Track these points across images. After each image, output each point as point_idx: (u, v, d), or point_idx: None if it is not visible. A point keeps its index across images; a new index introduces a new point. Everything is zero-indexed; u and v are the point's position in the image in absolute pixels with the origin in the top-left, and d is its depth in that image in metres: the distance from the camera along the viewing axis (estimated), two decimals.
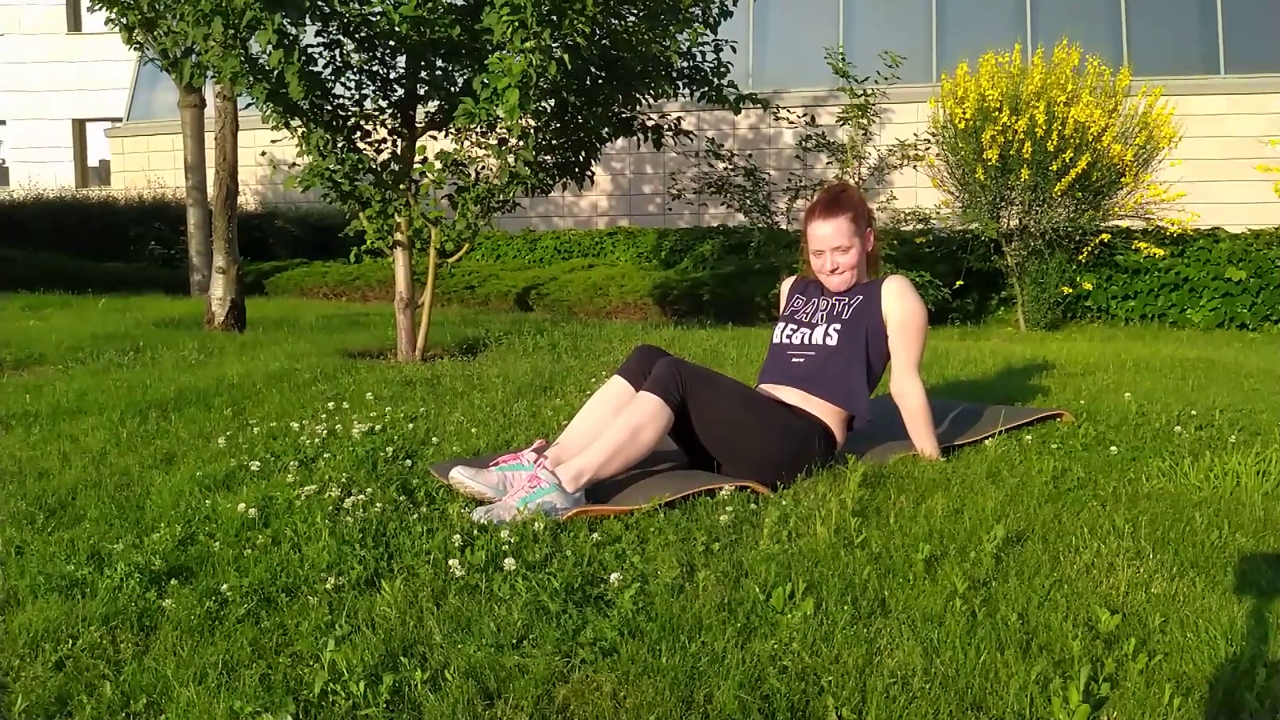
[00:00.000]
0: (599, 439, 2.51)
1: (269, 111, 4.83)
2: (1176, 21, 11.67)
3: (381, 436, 3.14)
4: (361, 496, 2.41)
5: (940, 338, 7.02)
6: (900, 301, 2.82)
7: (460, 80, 5.26)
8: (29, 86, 19.57)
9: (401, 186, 5.24)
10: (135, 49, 7.54)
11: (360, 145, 5.29)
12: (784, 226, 9.23)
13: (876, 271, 3.06)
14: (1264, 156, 9.58)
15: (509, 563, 2.00)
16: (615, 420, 2.53)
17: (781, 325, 2.99)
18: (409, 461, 2.85)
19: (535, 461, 2.47)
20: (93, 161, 20.24)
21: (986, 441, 3.01)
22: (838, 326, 2.85)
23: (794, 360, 2.87)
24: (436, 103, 5.37)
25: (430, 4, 4.75)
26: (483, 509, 2.35)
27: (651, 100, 5.68)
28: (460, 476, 2.44)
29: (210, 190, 8.06)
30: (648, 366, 2.65)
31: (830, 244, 2.87)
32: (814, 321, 2.91)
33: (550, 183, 5.66)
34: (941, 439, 3.07)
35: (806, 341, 2.88)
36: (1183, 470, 2.70)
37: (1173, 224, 8.45)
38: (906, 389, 2.83)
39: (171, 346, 5.59)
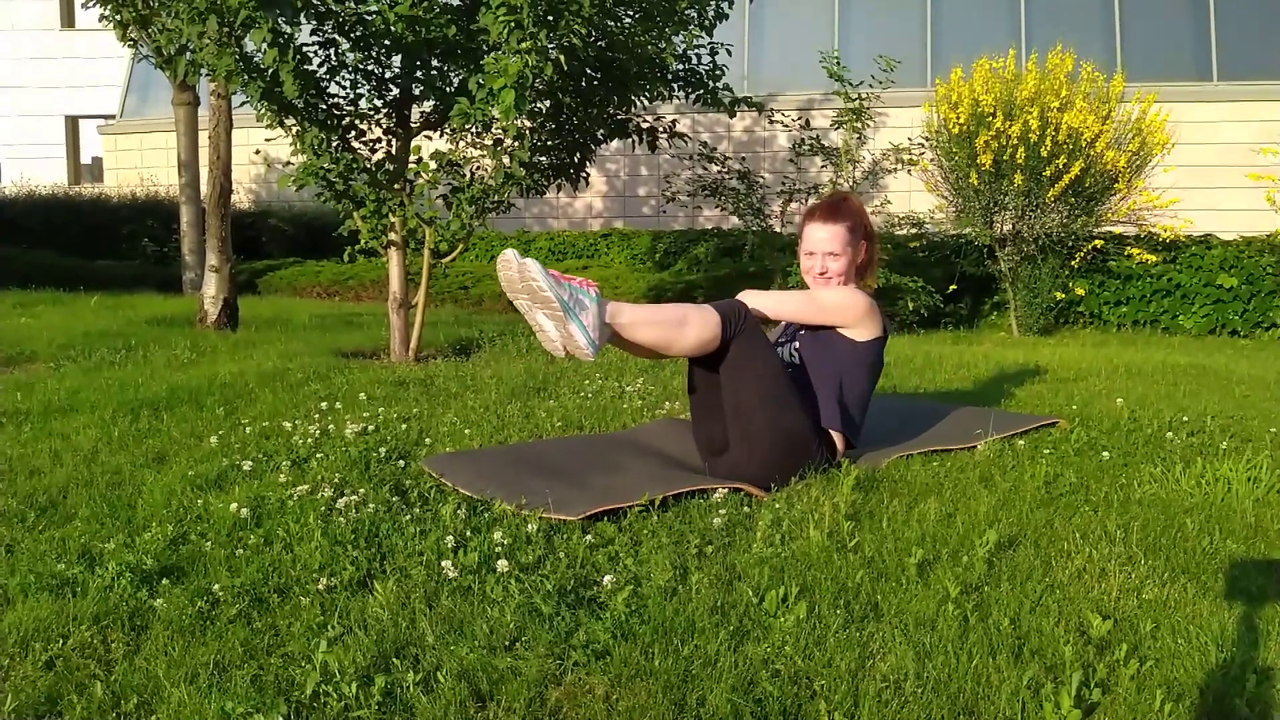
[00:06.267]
0: (647, 306, 2.57)
1: (263, 110, 4.82)
2: (1170, 28, 11.71)
3: (374, 437, 3.13)
4: (354, 497, 2.41)
5: (933, 342, 7.04)
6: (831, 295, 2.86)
7: (456, 80, 5.26)
8: (21, 83, 19.49)
9: (396, 186, 5.23)
10: (129, 46, 7.51)
11: (355, 144, 5.28)
12: (778, 230, 9.24)
13: (869, 283, 3.07)
14: (1256, 164, 9.63)
15: (502, 564, 1.99)
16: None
17: None
18: (402, 462, 2.84)
19: None
20: (85, 159, 20.15)
21: (979, 445, 3.02)
22: (797, 345, 2.88)
23: None
24: (432, 103, 5.37)
25: (426, 3, 4.74)
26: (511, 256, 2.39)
27: (647, 102, 5.68)
28: (510, 254, 2.41)
29: (203, 188, 8.03)
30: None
31: (823, 247, 2.88)
32: (781, 339, 2.95)
33: (545, 184, 5.67)
34: (934, 441, 3.08)
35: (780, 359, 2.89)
36: (1174, 476, 2.71)
37: (1165, 230, 8.48)
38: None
39: (163, 345, 5.57)
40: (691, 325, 2.54)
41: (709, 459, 2.75)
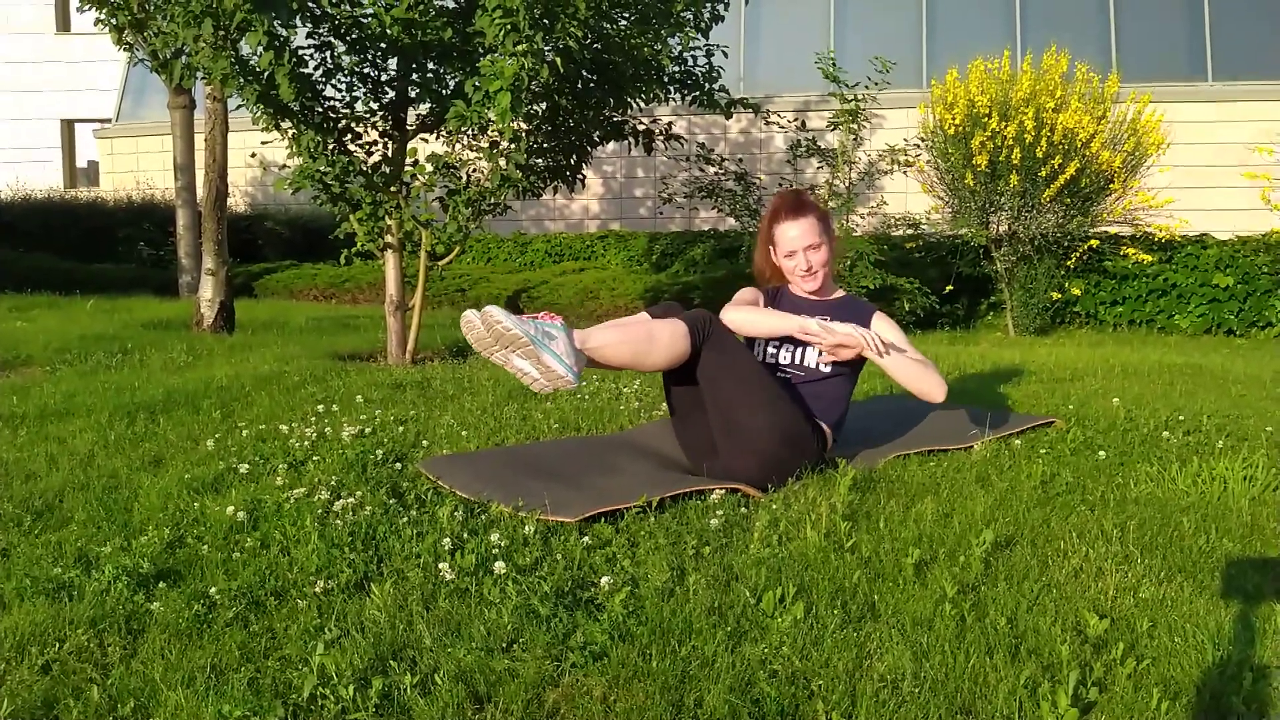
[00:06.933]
0: (614, 326, 2.55)
1: (259, 113, 4.82)
2: (1165, 29, 11.74)
3: (371, 439, 3.13)
4: (351, 499, 2.41)
5: (929, 343, 7.04)
6: (892, 333, 2.89)
7: (452, 83, 5.26)
8: (17, 86, 19.46)
9: (392, 189, 5.23)
10: (125, 50, 7.48)
11: (351, 147, 5.28)
12: None
13: (834, 281, 3.07)
14: (1251, 164, 9.65)
15: (499, 566, 1.99)
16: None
17: (761, 343, 2.93)
18: (399, 464, 2.84)
19: None
20: (81, 162, 20.12)
21: (975, 445, 3.03)
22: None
23: (779, 376, 2.86)
24: (428, 105, 5.36)
25: (422, 6, 4.75)
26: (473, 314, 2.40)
27: (643, 104, 5.69)
28: (469, 313, 2.42)
29: (199, 191, 8.04)
30: (674, 314, 2.64)
31: (803, 243, 2.87)
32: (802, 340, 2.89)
33: (541, 186, 5.67)
34: (931, 441, 3.08)
35: (798, 361, 2.86)
36: (1170, 475, 2.72)
37: (1161, 230, 8.49)
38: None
39: (160, 348, 5.56)
40: (660, 338, 2.52)
41: (706, 461, 2.74)
